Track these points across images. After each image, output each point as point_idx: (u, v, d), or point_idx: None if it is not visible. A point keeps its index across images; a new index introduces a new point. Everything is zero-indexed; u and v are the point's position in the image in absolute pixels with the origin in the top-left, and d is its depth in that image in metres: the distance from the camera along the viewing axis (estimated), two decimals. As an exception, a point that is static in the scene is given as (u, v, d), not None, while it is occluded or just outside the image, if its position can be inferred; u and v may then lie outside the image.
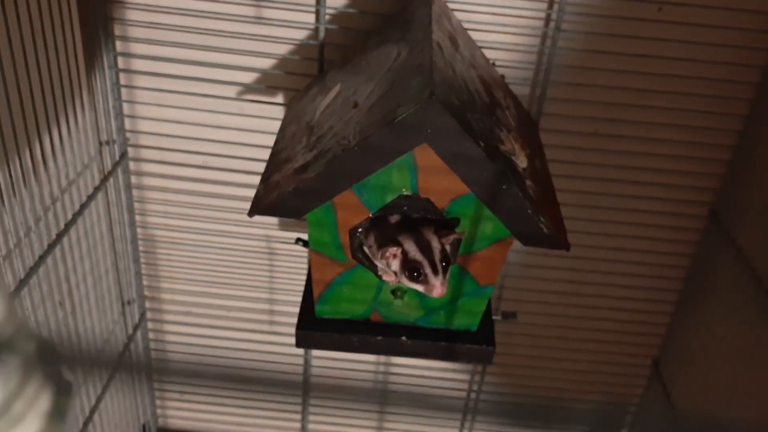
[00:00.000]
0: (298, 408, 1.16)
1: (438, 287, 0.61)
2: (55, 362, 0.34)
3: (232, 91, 0.90)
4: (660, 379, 1.06)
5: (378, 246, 0.63)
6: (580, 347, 1.09)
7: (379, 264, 0.65)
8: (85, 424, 0.91)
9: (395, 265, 0.62)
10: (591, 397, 1.14)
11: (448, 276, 0.62)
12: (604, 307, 1.04)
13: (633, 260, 1.00)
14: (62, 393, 0.34)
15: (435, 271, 0.61)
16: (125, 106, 0.91)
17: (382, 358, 1.13)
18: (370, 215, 0.63)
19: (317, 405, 1.16)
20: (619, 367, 1.11)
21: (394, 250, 0.61)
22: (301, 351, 1.10)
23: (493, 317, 0.76)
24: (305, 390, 1.15)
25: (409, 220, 0.63)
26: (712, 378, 0.92)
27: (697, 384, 0.96)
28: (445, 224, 0.63)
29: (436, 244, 0.61)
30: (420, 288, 0.62)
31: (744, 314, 0.85)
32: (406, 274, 0.62)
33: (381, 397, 1.19)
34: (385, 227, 0.64)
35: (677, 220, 0.97)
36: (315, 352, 1.10)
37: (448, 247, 0.63)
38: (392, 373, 1.14)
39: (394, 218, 0.64)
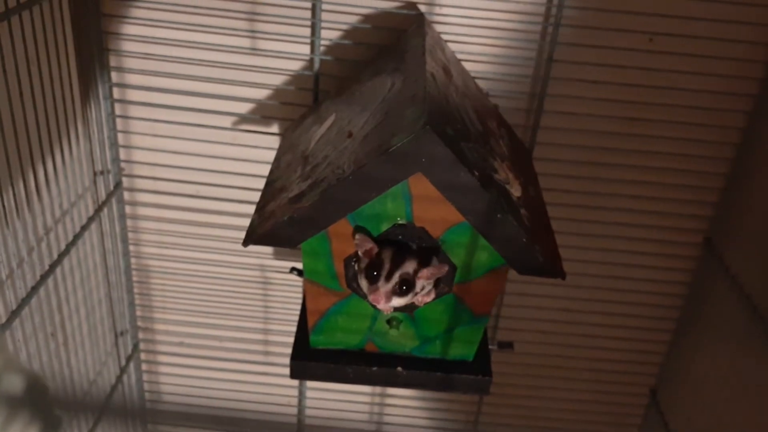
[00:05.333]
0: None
1: (381, 295, 0.60)
2: (44, 397, 0.33)
3: (227, 121, 0.90)
4: (658, 408, 1.05)
5: (364, 268, 0.62)
6: (577, 377, 1.08)
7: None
8: (76, 458, 0.89)
9: (364, 262, 0.62)
10: (589, 427, 1.13)
11: (401, 301, 0.61)
12: (600, 336, 1.04)
13: (629, 288, 0.99)
14: (51, 428, 0.33)
15: (387, 279, 0.60)
16: (120, 136, 0.92)
17: (378, 389, 1.11)
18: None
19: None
20: (617, 396, 1.10)
21: (370, 245, 0.61)
22: (295, 382, 1.09)
23: (490, 347, 0.75)
24: (299, 429, 1.13)
25: (400, 246, 0.63)
26: (709, 406, 0.91)
27: (695, 412, 0.95)
28: (430, 253, 0.62)
29: (407, 268, 0.61)
30: (366, 291, 0.62)
31: (740, 341, 0.85)
32: (365, 272, 0.61)
33: None
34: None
35: (672, 248, 0.97)
36: (310, 383, 1.09)
37: (425, 282, 0.62)
38: (388, 405, 1.13)
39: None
